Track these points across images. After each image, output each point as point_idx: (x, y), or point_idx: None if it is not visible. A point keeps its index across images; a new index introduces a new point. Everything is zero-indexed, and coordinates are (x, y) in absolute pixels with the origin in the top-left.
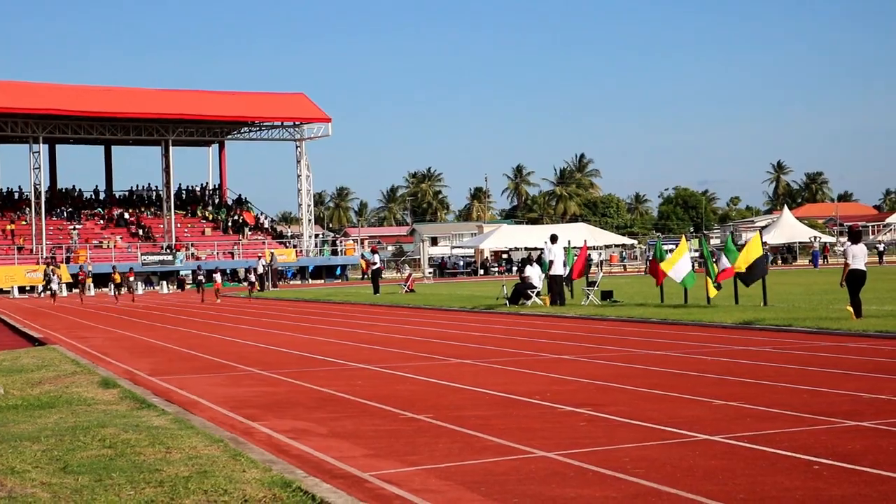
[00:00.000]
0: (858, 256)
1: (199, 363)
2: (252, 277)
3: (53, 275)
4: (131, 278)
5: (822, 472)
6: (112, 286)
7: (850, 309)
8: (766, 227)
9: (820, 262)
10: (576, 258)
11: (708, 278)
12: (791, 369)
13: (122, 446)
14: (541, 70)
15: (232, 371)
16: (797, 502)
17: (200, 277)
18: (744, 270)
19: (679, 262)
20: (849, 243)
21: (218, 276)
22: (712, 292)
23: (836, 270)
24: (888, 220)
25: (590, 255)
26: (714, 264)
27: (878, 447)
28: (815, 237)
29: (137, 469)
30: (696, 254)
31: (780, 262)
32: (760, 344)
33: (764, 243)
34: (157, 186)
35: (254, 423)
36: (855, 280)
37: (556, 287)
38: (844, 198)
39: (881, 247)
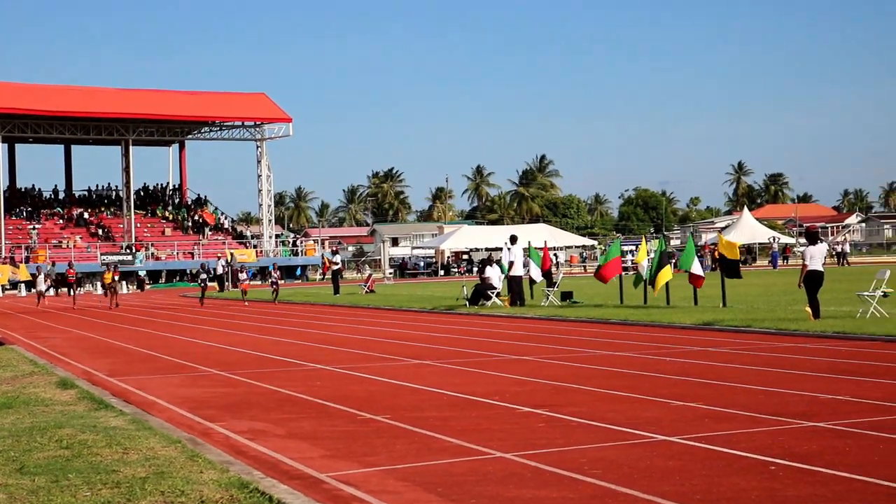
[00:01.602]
0: (816, 257)
1: (158, 364)
2: (275, 276)
3: (40, 274)
4: (116, 277)
5: (778, 473)
6: (102, 287)
7: (809, 310)
8: (725, 227)
9: (779, 262)
10: (541, 257)
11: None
12: (749, 370)
13: (79, 447)
14: (501, 71)
15: (191, 372)
16: (753, 503)
17: (203, 276)
18: (737, 257)
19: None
20: (807, 244)
21: (244, 276)
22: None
23: (796, 271)
24: (847, 221)
25: (556, 254)
26: (668, 267)
27: (833, 448)
28: (775, 238)
29: (94, 470)
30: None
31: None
32: (719, 345)
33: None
34: (116, 186)
35: (212, 423)
36: (813, 281)
37: (515, 287)
38: (804, 199)
39: (838, 248)
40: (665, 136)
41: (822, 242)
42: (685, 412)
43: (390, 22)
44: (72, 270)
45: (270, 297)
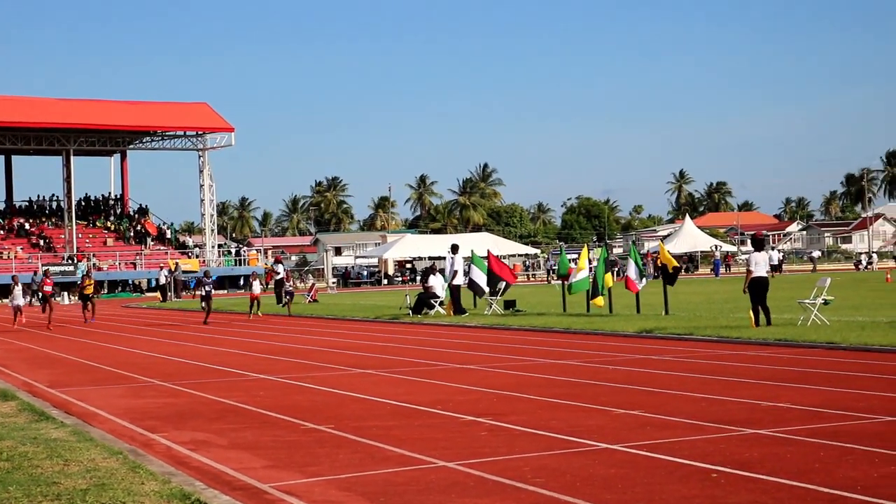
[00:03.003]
0: (761, 264)
1: (100, 374)
2: (288, 285)
3: (16, 284)
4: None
5: (720, 480)
6: (80, 299)
7: (752, 316)
8: (668, 236)
9: (721, 270)
10: (489, 267)
11: (594, 291)
12: (691, 378)
13: (20, 459)
14: (444, 79)
15: (133, 382)
16: None
17: (208, 289)
18: (671, 271)
19: (582, 271)
20: (752, 251)
21: (256, 285)
22: (599, 302)
23: (738, 279)
24: (788, 230)
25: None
26: (609, 275)
27: (775, 455)
28: (717, 246)
29: (34, 482)
30: (596, 262)
31: (682, 270)
32: (661, 353)
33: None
34: (58, 196)
35: (154, 434)
36: (757, 287)
37: (457, 296)
38: (746, 207)
39: (781, 255)
40: (607, 145)
41: (772, 249)
42: (627, 420)
43: (332, 32)
44: (48, 280)
45: (283, 311)
